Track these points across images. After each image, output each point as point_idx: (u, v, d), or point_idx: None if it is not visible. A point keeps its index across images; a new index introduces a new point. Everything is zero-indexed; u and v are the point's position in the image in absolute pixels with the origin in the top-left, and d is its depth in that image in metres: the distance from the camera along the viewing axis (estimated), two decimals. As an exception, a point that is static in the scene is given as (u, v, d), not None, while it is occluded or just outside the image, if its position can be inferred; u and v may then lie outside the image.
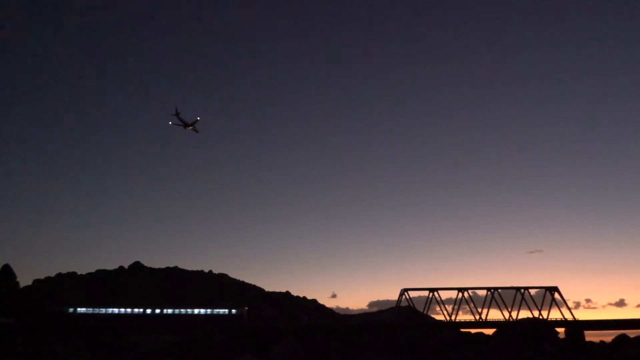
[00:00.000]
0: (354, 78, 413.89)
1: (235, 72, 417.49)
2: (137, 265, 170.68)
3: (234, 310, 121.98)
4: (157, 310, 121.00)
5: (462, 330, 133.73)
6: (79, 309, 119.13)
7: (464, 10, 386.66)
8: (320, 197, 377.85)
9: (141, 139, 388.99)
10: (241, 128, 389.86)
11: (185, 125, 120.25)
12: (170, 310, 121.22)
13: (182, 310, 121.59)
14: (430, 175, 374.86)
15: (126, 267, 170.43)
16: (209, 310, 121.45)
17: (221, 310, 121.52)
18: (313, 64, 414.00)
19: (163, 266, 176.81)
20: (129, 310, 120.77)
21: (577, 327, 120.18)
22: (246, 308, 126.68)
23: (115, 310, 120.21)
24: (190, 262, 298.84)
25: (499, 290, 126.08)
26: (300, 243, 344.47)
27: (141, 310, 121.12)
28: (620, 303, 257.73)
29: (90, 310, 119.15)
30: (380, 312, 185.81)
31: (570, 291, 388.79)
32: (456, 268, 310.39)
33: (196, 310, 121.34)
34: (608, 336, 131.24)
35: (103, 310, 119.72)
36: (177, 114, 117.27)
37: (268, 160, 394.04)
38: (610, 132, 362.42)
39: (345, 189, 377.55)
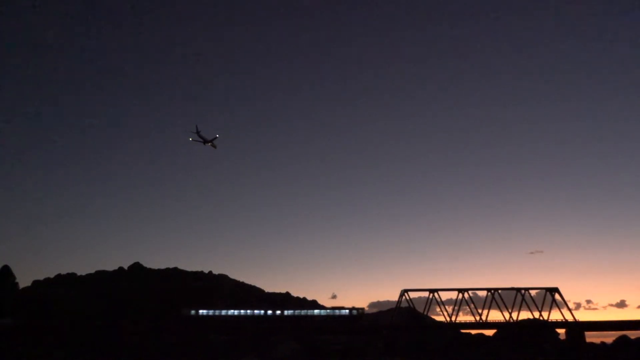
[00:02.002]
0: (355, 79, 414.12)
1: (234, 72, 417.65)
2: (136, 266, 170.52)
3: (354, 311, 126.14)
4: (278, 312, 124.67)
5: (462, 331, 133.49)
6: (200, 311, 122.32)
7: (464, 11, 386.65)
8: (320, 197, 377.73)
9: (140, 141, 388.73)
10: (241, 129, 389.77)
11: (205, 141, 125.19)
12: (290, 312, 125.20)
13: (301, 311, 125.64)
14: (430, 176, 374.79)
15: (126, 268, 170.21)
16: (329, 312, 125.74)
17: (342, 311, 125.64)
18: (313, 64, 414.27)
19: (163, 267, 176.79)
20: (248, 311, 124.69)
21: (577, 328, 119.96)
22: (365, 308, 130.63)
23: (235, 312, 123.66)
24: (190, 263, 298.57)
25: (500, 291, 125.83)
26: (300, 244, 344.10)
27: (262, 312, 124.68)
28: (621, 304, 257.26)
29: (210, 312, 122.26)
30: (380, 313, 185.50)
31: (570, 292, 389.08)
32: (456, 269, 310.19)
33: (316, 312, 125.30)
34: (609, 337, 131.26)
35: (224, 312, 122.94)
36: (197, 132, 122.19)
37: (268, 161, 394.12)
38: (611, 132, 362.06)
39: (346, 189, 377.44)
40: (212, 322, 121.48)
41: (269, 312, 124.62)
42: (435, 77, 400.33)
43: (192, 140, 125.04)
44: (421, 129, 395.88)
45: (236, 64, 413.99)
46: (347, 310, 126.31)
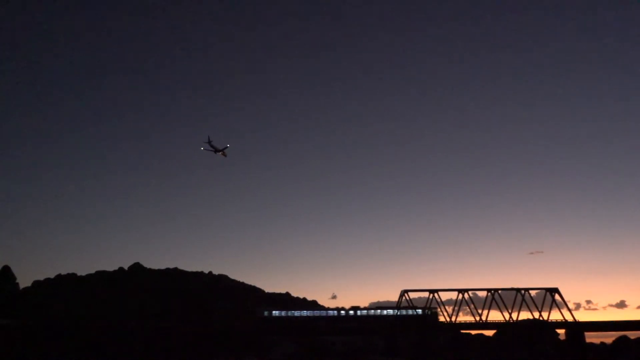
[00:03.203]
0: (355, 79, 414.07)
1: (235, 72, 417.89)
2: (137, 267, 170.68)
3: (427, 311, 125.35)
4: (351, 312, 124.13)
5: (462, 331, 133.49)
6: (274, 312, 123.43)
7: (465, 12, 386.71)
8: (320, 198, 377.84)
9: (140, 140, 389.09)
10: (240, 129, 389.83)
11: (216, 150, 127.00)
12: (364, 312, 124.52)
13: (376, 311, 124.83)
14: (431, 176, 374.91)
15: (126, 268, 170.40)
16: (397, 312, 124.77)
17: (411, 311, 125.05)
18: (313, 64, 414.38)
19: (163, 267, 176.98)
20: (316, 312, 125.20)
21: (577, 329, 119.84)
22: (437, 309, 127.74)
23: (308, 313, 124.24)
24: (190, 263, 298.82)
25: (499, 292, 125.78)
26: (300, 244, 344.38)
27: (335, 312, 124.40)
28: (621, 304, 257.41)
29: (283, 313, 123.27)
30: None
31: (570, 292, 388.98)
32: (456, 269, 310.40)
33: (385, 312, 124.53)
34: (609, 337, 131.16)
35: (297, 313, 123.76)
36: (209, 142, 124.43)
37: (268, 161, 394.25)
38: (611, 132, 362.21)
39: (346, 189, 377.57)
40: (285, 323, 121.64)
41: (342, 312, 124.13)
42: (435, 77, 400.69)
43: (204, 149, 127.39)
44: (421, 129, 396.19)
45: (236, 64, 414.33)
46: (419, 310, 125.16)
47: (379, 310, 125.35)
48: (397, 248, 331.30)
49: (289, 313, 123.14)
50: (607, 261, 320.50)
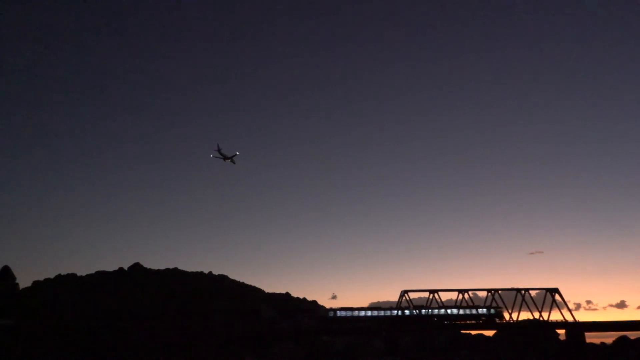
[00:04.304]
0: (355, 80, 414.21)
1: (234, 72, 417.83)
2: (137, 267, 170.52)
3: (491, 310, 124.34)
4: (415, 312, 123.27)
5: (462, 331, 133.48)
6: (338, 312, 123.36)
7: (464, 12, 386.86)
8: (320, 198, 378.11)
9: (139, 141, 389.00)
10: (240, 130, 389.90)
11: (225, 158, 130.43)
12: (426, 311, 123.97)
13: (440, 310, 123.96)
14: (431, 177, 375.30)
15: (126, 268, 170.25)
16: (466, 311, 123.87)
17: (480, 310, 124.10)
18: (312, 64, 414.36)
19: (163, 267, 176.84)
20: (381, 312, 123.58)
21: (577, 329, 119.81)
22: (502, 308, 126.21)
23: (374, 313, 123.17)
24: (190, 264, 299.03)
25: (500, 292, 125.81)
26: (300, 244, 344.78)
27: (396, 312, 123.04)
28: (621, 304, 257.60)
29: (349, 313, 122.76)
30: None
31: (570, 292, 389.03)
32: (456, 269, 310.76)
33: (455, 311, 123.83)
34: (609, 338, 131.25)
35: (362, 313, 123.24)
36: (219, 150, 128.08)
37: (267, 161, 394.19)
38: (611, 133, 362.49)
39: (346, 190, 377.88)
40: (350, 323, 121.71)
41: (406, 312, 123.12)
42: (436, 78, 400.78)
43: (213, 156, 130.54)
44: (421, 129, 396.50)
45: (235, 64, 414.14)
46: (485, 310, 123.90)
47: (443, 310, 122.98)
48: (397, 248, 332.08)
49: (354, 313, 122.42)
50: (607, 261, 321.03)
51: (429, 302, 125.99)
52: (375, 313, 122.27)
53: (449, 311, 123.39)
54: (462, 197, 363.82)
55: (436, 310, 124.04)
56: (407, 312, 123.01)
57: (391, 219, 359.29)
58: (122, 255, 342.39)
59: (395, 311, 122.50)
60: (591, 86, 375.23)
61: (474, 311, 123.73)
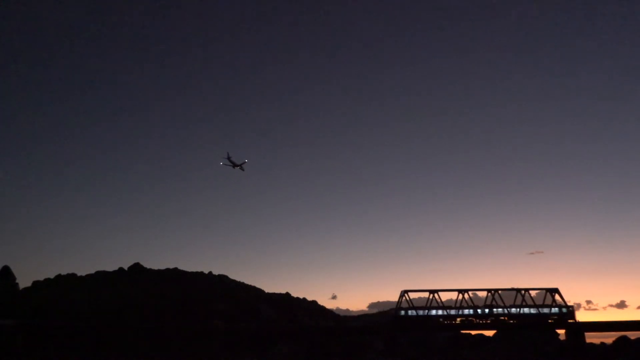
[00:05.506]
0: (357, 79, 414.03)
1: (235, 71, 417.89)
2: (137, 267, 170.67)
3: (564, 309, 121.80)
4: (487, 311, 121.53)
5: (462, 331, 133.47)
6: (409, 312, 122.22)
7: (464, 12, 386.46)
8: (320, 198, 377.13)
9: (140, 141, 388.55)
10: (240, 130, 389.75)
11: (234, 165, 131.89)
12: (500, 309, 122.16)
13: (511, 309, 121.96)
14: (430, 176, 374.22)
15: (126, 268, 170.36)
16: (535, 310, 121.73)
17: (546, 310, 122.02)
18: (312, 65, 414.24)
19: (163, 267, 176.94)
20: (452, 311, 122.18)
21: (577, 329, 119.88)
22: (574, 307, 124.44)
23: (439, 312, 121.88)
24: (190, 264, 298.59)
25: (500, 292, 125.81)
26: (300, 244, 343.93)
27: (470, 311, 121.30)
28: (621, 304, 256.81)
29: (414, 313, 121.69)
30: (380, 313, 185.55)
31: (570, 292, 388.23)
32: (456, 269, 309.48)
33: (520, 310, 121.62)
34: (609, 338, 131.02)
35: (434, 312, 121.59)
36: (228, 157, 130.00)
37: (267, 161, 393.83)
38: (611, 133, 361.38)
39: (345, 190, 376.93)
40: (424, 322, 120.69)
41: (477, 311, 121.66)
42: (436, 78, 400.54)
43: (223, 164, 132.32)
44: (420, 129, 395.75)
45: (234, 64, 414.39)
46: (557, 309, 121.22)
47: (514, 309, 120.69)
48: (397, 248, 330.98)
49: (427, 312, 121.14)
50: (607, 261, 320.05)
51: (428, 302, 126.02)
52: (454, 311, 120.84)
53: (494, 310, 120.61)
54: (462, 197, 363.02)
55: (500, 309, 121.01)
56: (439, 312, 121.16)
57: (391, 219, 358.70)
58: (122, 255, 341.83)
59: (459, 310, 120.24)
60: (591, 86, 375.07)
61: (544, 310, 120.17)
